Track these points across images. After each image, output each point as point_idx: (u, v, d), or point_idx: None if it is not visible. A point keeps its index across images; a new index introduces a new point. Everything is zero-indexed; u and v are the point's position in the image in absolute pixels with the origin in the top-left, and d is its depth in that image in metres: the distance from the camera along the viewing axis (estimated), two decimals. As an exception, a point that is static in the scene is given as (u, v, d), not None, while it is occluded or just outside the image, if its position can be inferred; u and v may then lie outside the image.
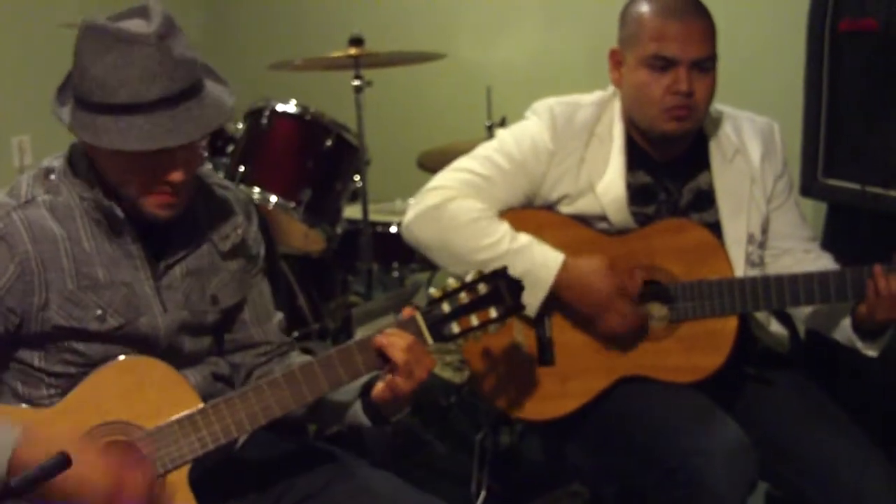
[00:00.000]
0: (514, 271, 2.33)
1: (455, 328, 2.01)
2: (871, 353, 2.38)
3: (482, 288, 2.01)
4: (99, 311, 1.92)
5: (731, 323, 2.37)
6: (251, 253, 2.16)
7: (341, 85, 3.84)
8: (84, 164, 1.95)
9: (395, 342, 1.96)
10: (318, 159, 3.65)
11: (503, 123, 3.62)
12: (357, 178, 3.75)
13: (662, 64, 2.31)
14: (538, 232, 2.41)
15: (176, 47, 1.84)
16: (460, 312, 2.01)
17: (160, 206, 1.92)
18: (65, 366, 1.93)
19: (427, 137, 4.15)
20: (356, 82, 3.70)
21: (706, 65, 2.33)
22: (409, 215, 2.47)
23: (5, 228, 1.87)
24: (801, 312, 2.49)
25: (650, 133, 2.40)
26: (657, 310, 2.40)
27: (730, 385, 2.44)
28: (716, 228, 2.42)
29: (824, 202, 2.96)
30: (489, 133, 3.73)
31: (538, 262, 2.35)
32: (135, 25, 1.84)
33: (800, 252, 2.51)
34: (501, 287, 2.02)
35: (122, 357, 1.94)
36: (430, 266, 3.83)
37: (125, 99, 1.81)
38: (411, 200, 2.52)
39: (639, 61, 2.34)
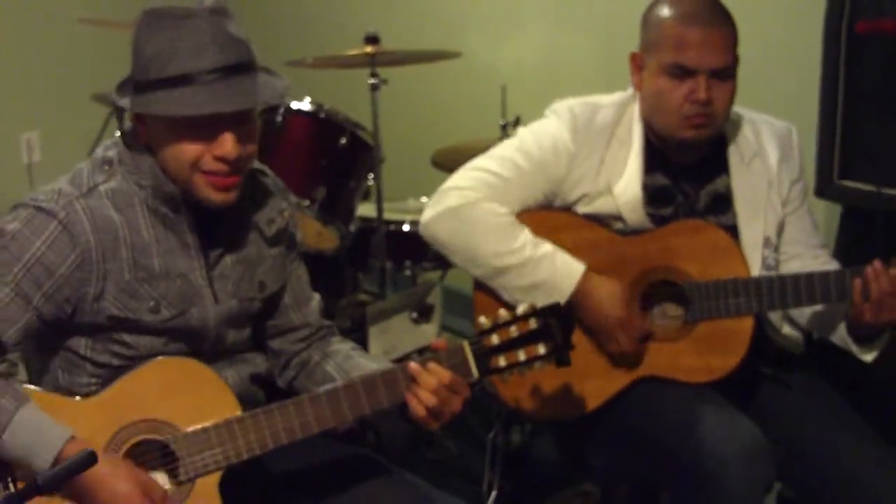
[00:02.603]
0: (534, 278, 2.34)
1: (502, 362, 1.98)
2: (867, 357, 2.38)
3: (533, 323, 1.98)
4: (152, 303, 1.93)
5: (747, 323, 2.37)
6: (291, 237, 2.17)
7: (357, 83, 3.85)
8: (140, 153, 1.95)
9: (426, 381, 1.94)
10: (333, 157, 3.65)
11: (518, 122, 3.62)
12: (371, 176, 3.76)
13: (681, 73, 2.30)
14: (554, 233, 2.42)
15: (229, 25, 1.89)
16: (509, 346, 1.97)
17: (214, 189, 1.92)
18: (110, 357, 1.95)
19: (441, 136, 4.15)
20: (372, 80, 3.71)
21: (726, 73, 2.32)
22: (428, 214, 2.46)
23: (68, 217, 1.88)
24: (802, 316, 2.49)
25: (668, 139, 2.40)
26: (673, 310, 2.40)
27: (745, 386, 2.44)
28: (733, 231, 2.42)
29: (839, 204, 2.95)
30: (504, 132, 3.73)
31: (560, 271, 2.36)
32: (189, 5, 1.89)
33: (808, 258, 2.50)
34: (552, 324, 1.98)
35: (165, 356, 1.95)
36: (442, 265, 3.83)
37: (177, 70, 1.84)
38: (424, 199, 2.52)
39: (659, 68, 2.33)
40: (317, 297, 2.24)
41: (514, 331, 1.97)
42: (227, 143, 1.88)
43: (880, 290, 2.25)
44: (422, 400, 1.94)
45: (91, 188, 1.92)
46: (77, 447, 1.77)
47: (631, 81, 2.45)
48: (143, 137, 1.94)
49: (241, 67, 1.89)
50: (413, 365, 1.95)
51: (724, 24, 2.33)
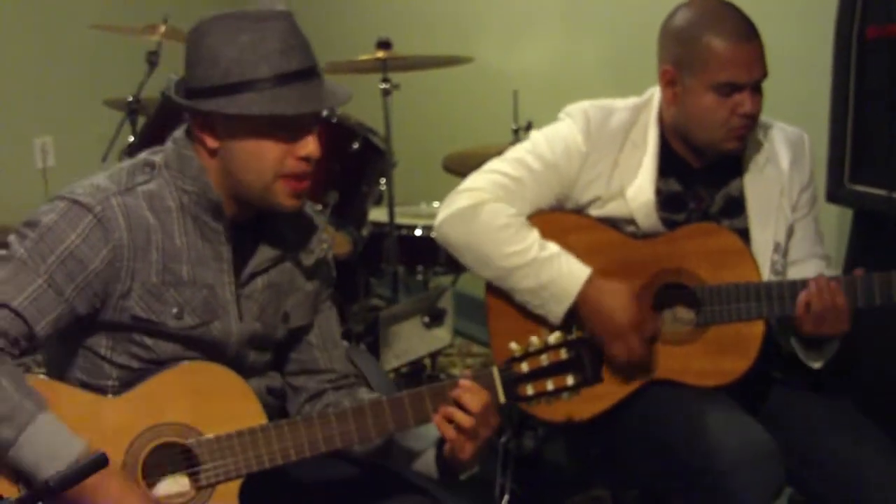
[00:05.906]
0: (539, 279, 2.35)
1: (529, 390, 1.98)
2: (815, 364, 2.39)
3: (563, 353, 1.98)
4: (176, 309, 1.93)
5: (758, 327, 2.37)
6: (328, 274, 2.17)
7: (369, 88, 3.86)
8: (190, 158, 1.94)
9: (468, 402, 1.94)
10: (345, 162, 3.65)
11: (529, 127, 3.62)
12: (383, 181, 3.77)
13: (731, 89, 2.31)
14: (565, 235, 2.43)
15: (300, 28, 1.90)
16: (538, 375, 1.98)
17: (290, 195, 1.92)
18: (129, 358, 1.95)
19: (453, 141, 4.16)
20: (384, 85, 3.72)
21: (761, 83, 2.35)
22: (441, 216, 2.48)
23: (103, 212, 1.88)
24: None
25: (710, 151, 2.41)
26: (684, 313, 2.40)
27: (755, 390, 2.45)
28: (744, 235, 2.42)
29: (851, 208, 2.96)
30: (515, 136, 3.74)
31: (565, 272, 2.37)
32: (264, 7, 1.90)
33: (809, 265, 2.50)
34: (584, 356, 1.98)
35: (194, 360, 1.95)
36: (454, 269, 3.84)
37: (267, 72, 1.85)
38: (436, 204, 2.53)
39: (706, 86, 2.32)
40: (345, 344, 2.23)
41: (544, 360, 1.98)
42: (311, 143, 1.90)
43: (822, 304, 2.27)
44: (457, 420, 1.94)
45: (129, 187, 1.92)
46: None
47: (663, 97, 2.43)
48: (209, 143, 1.92)
49: (318, 70, 1.92)
50: (464, 382, 1.95)
51: (757, 36, 2.34)
